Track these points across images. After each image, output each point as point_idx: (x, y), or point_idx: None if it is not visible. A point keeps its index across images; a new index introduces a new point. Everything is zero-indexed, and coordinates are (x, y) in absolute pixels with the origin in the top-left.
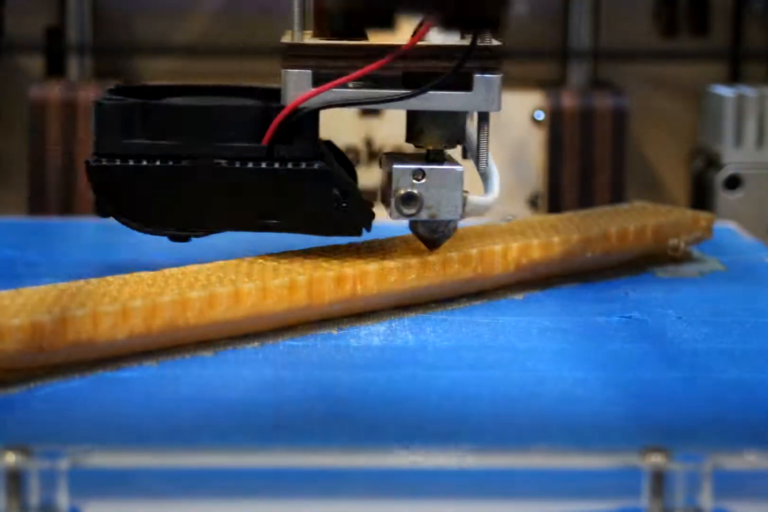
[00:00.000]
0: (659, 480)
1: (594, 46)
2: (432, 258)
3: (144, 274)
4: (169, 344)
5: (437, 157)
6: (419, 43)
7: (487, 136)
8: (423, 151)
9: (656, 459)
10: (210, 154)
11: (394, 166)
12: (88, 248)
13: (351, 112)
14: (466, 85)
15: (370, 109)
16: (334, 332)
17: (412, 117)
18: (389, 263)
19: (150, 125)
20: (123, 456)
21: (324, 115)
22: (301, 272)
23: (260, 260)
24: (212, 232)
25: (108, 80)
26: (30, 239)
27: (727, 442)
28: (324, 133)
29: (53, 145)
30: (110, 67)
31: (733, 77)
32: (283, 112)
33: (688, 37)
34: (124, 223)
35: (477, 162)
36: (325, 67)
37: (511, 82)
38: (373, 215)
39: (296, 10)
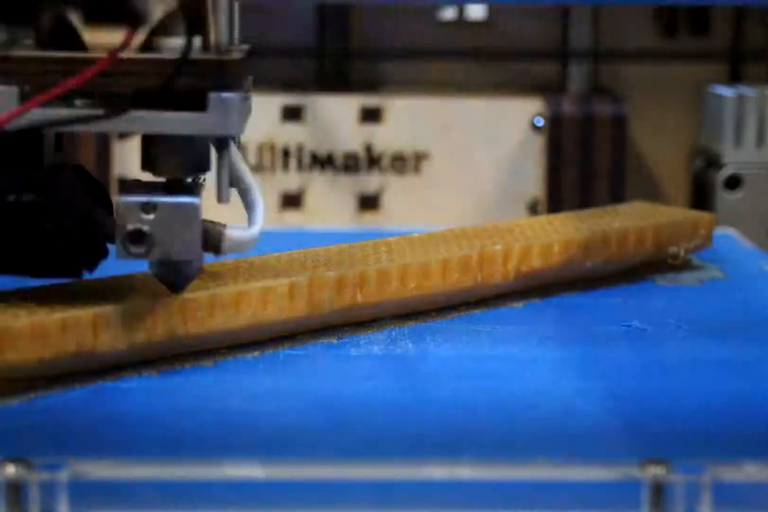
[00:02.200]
0: (659, 492)
1: (594, 46)
2: (432, 266)
3: (143, 274)
4: (169, 353)
5: (178, 187)
6: (143, 56)
7: (229, 164)
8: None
9: (656, 471)
10: None
11: (121, 198)
12: None
13: (350, 119)
14: (202, 105)
15: (370, 115)
16: (334, 341)
17: (147, 141)
18: (389, 271)
19: None
20: (123, 467)
21: (324, 121)
22: (301, 273)
23: (259, 262)
24: None
25: None
26: None
27: (726, 453)
28: (325, 139)
29: None
30: None
31: (733, 77)
32: None
33: (688, 37)
34: None
35: (218, 193)
36: (35, 82)
37: (511, 88)
38: (103, 254)
39: None
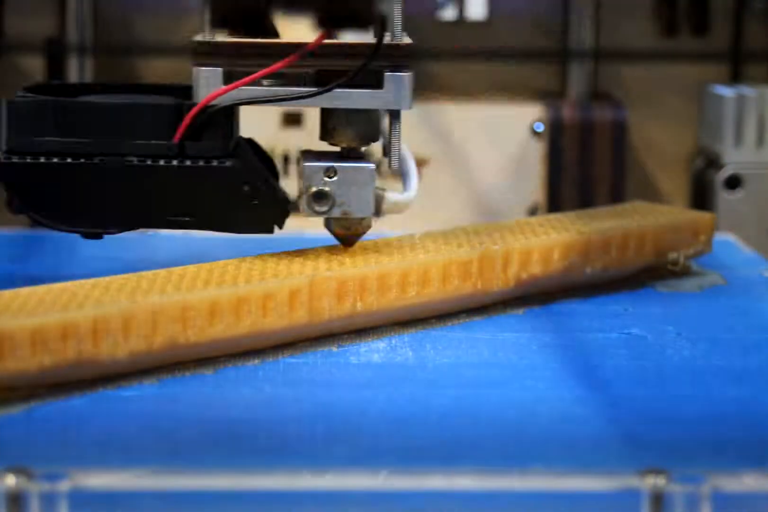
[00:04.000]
0: (658, 502)
1: (594, 46)
2: (432, 272)
3: (143, 274)
4: (169, 361)
5: (351, 154)
6: (328, 41)
7: (399, 134)
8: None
9: (655, 481)
10: (121, 151)
11: (305, 163)
12: (90, 260)
13: None
14: (378, 83)
15: None
16: (334, 349)
17: (326, 115)
18: (389, 280)
19: (62, 123)
20: (123, 477)
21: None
22: (302, 276)
23: (259, 262)
24: (124, 230)
25: None
26: (30, 251)
27: (726, 463)
28: (325, 145)
29: None
30: (110, 71)
31: (733, 77)
32: (194, 110)
33: (688, 37)
34: (36, 220)
35: (389, 160)
36: (235, 65)
37: (511, 92)
38: (286, 213)
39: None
